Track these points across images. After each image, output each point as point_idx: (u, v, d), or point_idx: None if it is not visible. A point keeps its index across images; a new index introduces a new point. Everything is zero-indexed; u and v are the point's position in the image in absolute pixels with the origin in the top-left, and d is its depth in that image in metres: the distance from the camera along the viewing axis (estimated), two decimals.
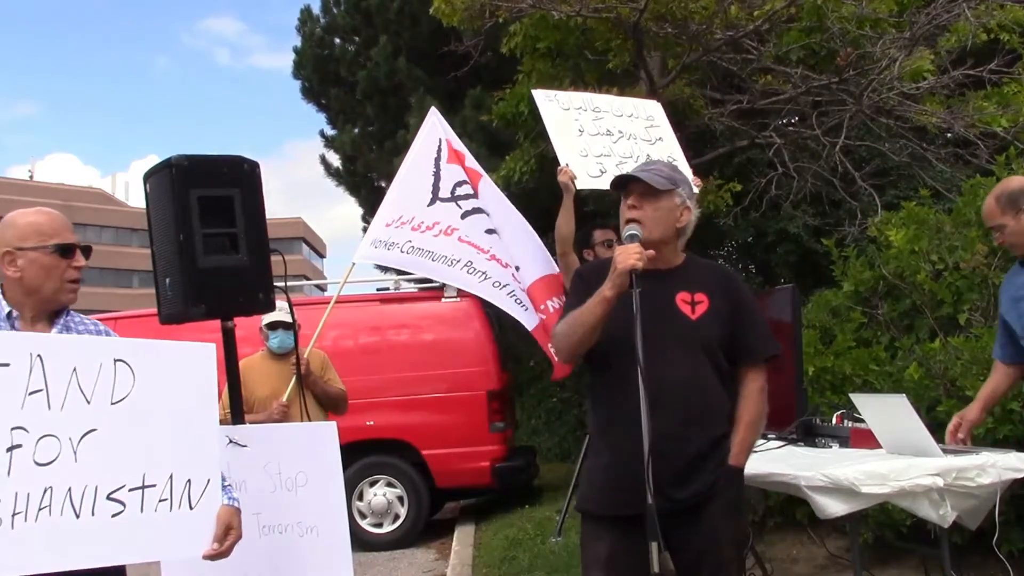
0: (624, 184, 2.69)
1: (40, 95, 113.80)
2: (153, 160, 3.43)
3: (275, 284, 3.31)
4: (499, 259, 4.91)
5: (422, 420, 7.62)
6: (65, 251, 2.31)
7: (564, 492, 6.96)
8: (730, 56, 7.27)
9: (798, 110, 7.63)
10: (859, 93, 6.68)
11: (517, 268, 4.92)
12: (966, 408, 3.52)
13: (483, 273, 4.88)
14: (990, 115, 6.65)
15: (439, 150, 5.19)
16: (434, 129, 5.31)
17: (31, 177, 60.71)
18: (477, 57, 8.45)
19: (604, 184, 4.04)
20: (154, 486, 2.18)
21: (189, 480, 2.24)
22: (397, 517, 7.57)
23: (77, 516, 2.06)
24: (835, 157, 6.96)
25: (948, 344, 4.39)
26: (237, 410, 3.38)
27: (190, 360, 2.34)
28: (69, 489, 2.06)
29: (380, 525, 7.54)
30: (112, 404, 2.15)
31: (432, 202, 5.05)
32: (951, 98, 7.07)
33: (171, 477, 2.21)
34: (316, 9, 13.74)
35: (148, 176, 3.23)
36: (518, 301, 4.84)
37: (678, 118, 7.77)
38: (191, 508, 2.24)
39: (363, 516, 7.47)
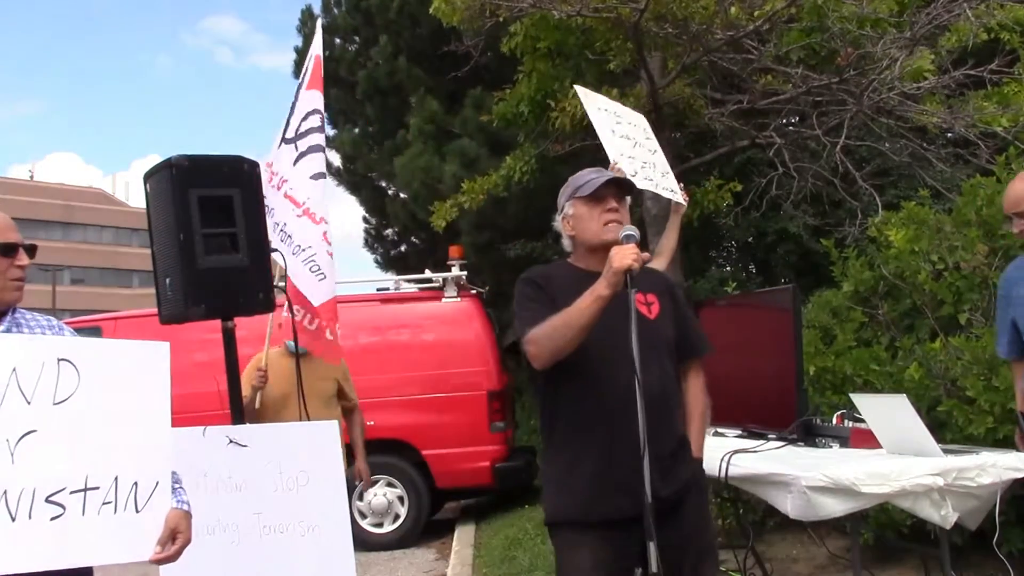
0: (596, 189, 2.68)
1: (42, 94, 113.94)
2: (154, 159, 3.44)
3: (275, 284, 3.31)
4: (312, 214, 4.25)
5: (422, 420, 7.62)
6: (8, 250, 2.28)
7: None
8: (730, 56, 7.27)
9: (798, 110, 7.63)
10: (859, 93, 6.67)
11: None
12: None
13: (289, 237, 4.23)
14: (990, 115, 6.64)
15: (307, 70, 4.52)
16: (315, 45, 4.61)
17: (31, 177, 60.74)
18: (477, 57, 8.45)
19: (639, 184, 4.09)
20: (97, 488, 2.12)
21: (136, 483, 2.18)
22: (397, 517, 7.57)
23: (13, 519, 2.00)
24: (835, 157, 6.95)
25: (948, 344, 4.39)
26: (237, 410, 3.38)
27: (142, 360, 2.28)
28: (4, 492, 2.01)
29: (380, 525, 7.54)
30: (55, 405, 2.10)
31: (280, 143, 4.42)
32: (951, 98, 7.07)
33: (116, 479, 2.15)
34: (317, 9, 13.77)
35: (148, 176, 3.24)
36: (313, 269, 4.16)
37: (678, 118, 7.80)
38: (137, 511, 2.18)
39: (363, 516, 7.47)
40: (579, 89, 4.68)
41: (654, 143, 4.71)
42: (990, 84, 6.85)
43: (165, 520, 2.24)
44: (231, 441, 3.18)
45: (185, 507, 2.33)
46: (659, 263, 4.10)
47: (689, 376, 2.78)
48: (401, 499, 7.56)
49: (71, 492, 2.09)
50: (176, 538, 2.25)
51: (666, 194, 4.42)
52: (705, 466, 2.81)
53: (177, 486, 2.35)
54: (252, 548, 3.17)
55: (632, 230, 2.56)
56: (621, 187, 2.73)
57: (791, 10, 6.66)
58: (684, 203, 4.50)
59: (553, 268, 2.82)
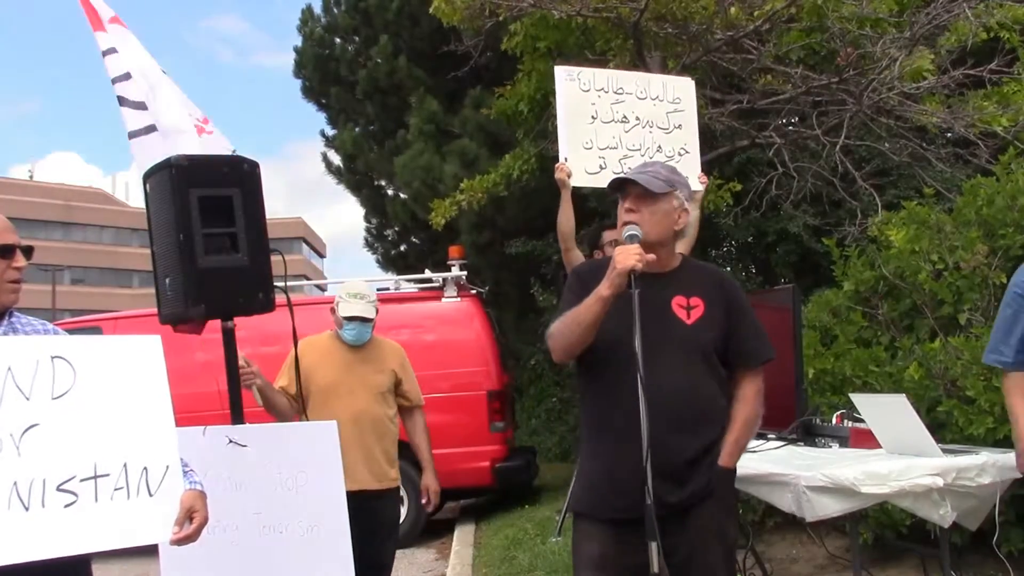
0: (621, 185, 2.68)
1: (42, 94, 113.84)
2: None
3: (275, 284, 3.30)
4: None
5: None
6: (5, 252, 2.28)
7: (564, 492, 6.96)
8: (730, 56, 7.27)
9: (798, 110, 7.63)
10: (859, 93, 6.67)
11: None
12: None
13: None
14: (990, 115, 6.64)
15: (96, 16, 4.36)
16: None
17: (31, 177, 60.71)
18: (477, 57, 8.45)
19: (600, 182, 3.87)
20: (107, 475, 2.17)
21: (145, 468, 2.23)
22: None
23: (27, 509, 2.04)
24: (835, 157, 6.95)
25: (948, 344, 4.38)
26: (237, 410, 3.37)
27: (135, 353, 2.32)
28: (15, 483, 2.05)
29: None
30: (54, 399, 2.14)
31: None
32: (951, 98, 7.07)
33: (125, 466, 2.20)
34: (317, 8, 13.78)
35: (148, 176, 3.23)
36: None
37: None
38: (150, 495, 2.23)
39: None
40: (559, 70, 4.23)
41: (684, 116, 4.33)
42: (990, 84, 6.85)
43: (180, 501, 2.28)
44: (231, 441, 3.17)
45: (199, 487, 2.36)
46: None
47: (741, 384, 2.68)
48: (401, 499, 7.54)
49: (81, 480, 2.13)
50: (193, 518, 2.29)
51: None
52: None
53: (188, 469, 2.38)
54: (251, 547, 3.17)
55: (635, 229, 2.56)
56: (644, 187, 2.65)
57: (791, 10, 6.66)
58: (700, 188, 4.30)
59: (606, 262, 2.80)
